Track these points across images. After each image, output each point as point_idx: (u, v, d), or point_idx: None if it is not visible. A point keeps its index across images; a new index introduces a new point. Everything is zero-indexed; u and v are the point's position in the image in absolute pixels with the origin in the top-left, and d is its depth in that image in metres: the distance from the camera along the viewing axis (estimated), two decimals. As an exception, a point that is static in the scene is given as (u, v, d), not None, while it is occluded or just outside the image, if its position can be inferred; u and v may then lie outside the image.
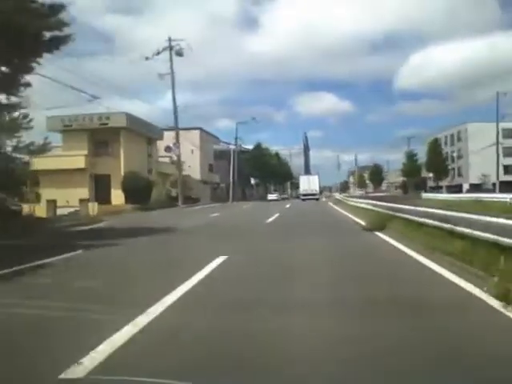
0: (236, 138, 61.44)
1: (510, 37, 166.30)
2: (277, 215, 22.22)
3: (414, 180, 78.07)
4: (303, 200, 52.28)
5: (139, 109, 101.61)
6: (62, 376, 2.85)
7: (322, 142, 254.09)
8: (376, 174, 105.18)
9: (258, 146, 70.15)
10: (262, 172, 68.67)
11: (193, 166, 53.47)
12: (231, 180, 58.17)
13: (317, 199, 53.41)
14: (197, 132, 53.76)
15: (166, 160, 44.65)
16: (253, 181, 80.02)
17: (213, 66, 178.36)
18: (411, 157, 76.85)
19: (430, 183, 74.70)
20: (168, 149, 38.08)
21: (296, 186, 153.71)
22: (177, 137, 38.50)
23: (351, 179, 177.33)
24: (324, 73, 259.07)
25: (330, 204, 39.00)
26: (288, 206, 37.35)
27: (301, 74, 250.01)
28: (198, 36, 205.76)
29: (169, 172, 42.95)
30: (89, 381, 2.45)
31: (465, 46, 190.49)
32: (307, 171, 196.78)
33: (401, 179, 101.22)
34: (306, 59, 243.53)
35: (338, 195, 54.97)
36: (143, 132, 38.01)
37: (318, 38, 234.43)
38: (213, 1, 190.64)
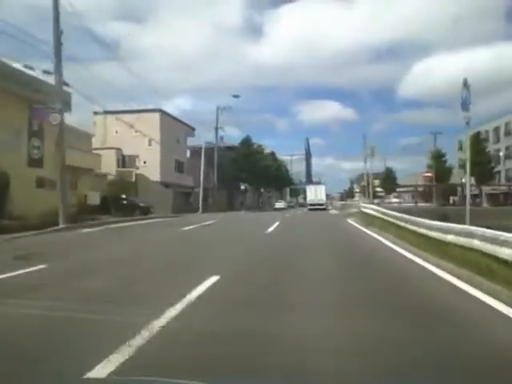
0: (216, 128, 46.31)
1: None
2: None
3: (442, 186, 62.87)
4: (310, 210, 50.15)
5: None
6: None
7: (324, 150, 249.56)
8: (389, 180, 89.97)
9: (245, 141, 54.88)
10: (253, 174, 53.48)
11: (150, 163, 38.34)
12: (202, 182, 42.60)
13: (324, 209, 51.25)
14: (156, 116, 38.66)
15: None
16: (245, 186, 65.11)
17: (215, 72, 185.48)
18: (439, 157, 61.69)
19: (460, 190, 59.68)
20: (37, 113, 18.56)
21: (296, 192, 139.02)
22: (59, 84, 18.63)
23: (357, 187, 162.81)
24: (327, 81, 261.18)
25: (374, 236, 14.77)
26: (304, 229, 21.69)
27: (304, 82, 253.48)
28: (203, 43, 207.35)
29: (89, 165, 27.49)
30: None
31: (469, 55, 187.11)
32: (309, 178, 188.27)
33: (419, 185, 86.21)
34: (309, 67, 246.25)
35: (362, 203, 37.04)
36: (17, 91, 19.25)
37: (322, 47, 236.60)
38: (217, 10, 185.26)
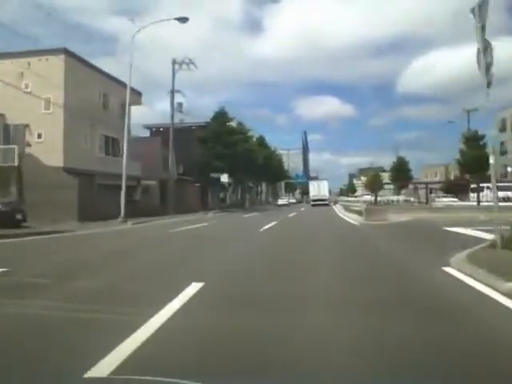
0: (172, 91, 31.64)
1: None
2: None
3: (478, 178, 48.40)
4: (313, 206, 49.95)
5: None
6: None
7: (322, 146, 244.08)
8: (401, 173, 75.47)
9: (219, 115, 40.00)
10: (232, 162, 38.98)
11: (50, 138, 23.74)
12: (141, 172, 27.80)
13: (326, 205, 50.66)
14: (58, 60, 23.84)
15: None
16: (225, 179, 50.69)
17: (215, 67, 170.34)
18: (476, 140, 47.19)
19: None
20: None
21: (292, 187, 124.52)
22: None
23: (360, 180, 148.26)
24: (327, 76, 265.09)
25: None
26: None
27: (303, 77, 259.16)
28: (202, 38, 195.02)
29: None
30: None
31: (470, 50, 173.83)
32: (306, 173, 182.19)
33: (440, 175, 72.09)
34: (308, 62, 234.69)
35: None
36: None
37: (322, 41, 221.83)
38: (216, 4, 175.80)
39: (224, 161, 37.23)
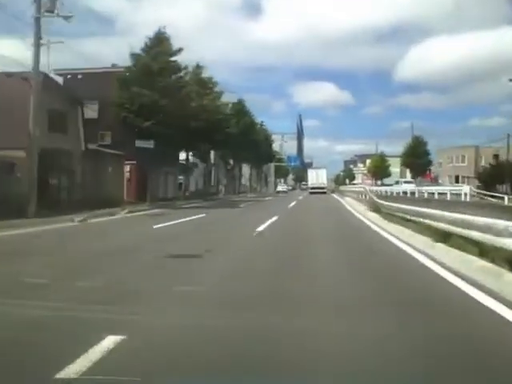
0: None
1: None
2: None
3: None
4: (311, 193, 47.98)
5: None
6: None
7: (317, 132, 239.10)
8: (417, 156, 59.37)
9: (155, 43, 23.97)
10: (177, 123, 23.50)
11: None
12: None
13: (324, 193, 48.71)
14: None
15: None
16: (150, 145, 35.21)
17: (211, 51, 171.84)
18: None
19: None
20: None
21: (284, 172, 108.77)
22: None
23: (360, 167, 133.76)
24: (325, 62, 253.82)
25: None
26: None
27: (301, 62, 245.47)
28: (198, 19, 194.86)
29: None
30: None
31: (469, 39, 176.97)
32: (300, 157, 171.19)
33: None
34: (306, 48, 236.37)
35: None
36: None
37: (321, 27, 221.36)
38: None
39: (158, 118, 21.70)
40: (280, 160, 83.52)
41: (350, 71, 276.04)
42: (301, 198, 37.82)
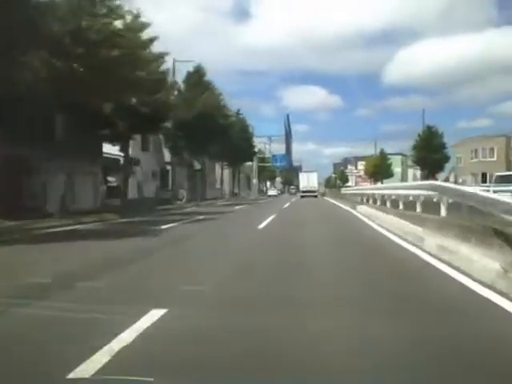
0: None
1: (503, 35, 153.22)
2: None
3: None
4: (302, 197, 48.06)
5: None
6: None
7: (306, 136, 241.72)
8: (431, 150, 47.51)
9: None
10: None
11: None
12: None
13: (315, 196, 48.63)
14: None
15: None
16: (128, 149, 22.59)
17: (201, 54, 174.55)
18: None
19: None
20: None
21: (270, 173, 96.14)
22: None
23: (352, 169, 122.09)
24: (314, 66, 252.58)
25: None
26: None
27: (290, 67, 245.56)
28: (188, 23, 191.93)
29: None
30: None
31: (457, 42, 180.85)
32: (289, 159, 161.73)
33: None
34: (296, 51, 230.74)
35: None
36: None
37: (311, 31, 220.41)
38: None
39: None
40: (264, 160, 71.24)
41: (339, 75, 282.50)
42: (286, 206, 25.74)
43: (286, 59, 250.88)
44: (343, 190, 37.49)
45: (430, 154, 47.73)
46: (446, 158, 49.27)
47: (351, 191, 29.20)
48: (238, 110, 45.95)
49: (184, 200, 37.88)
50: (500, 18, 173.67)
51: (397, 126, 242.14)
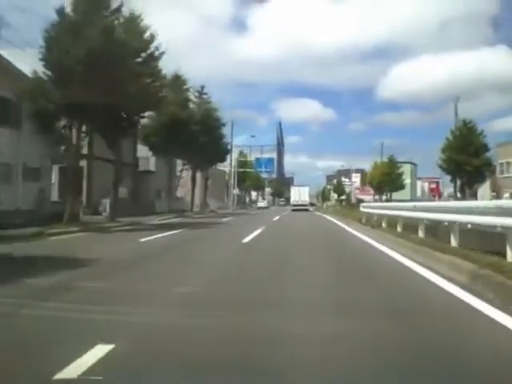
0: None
1: (496, 53, 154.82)
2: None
3: None
4: (293, 210, 47.66)
5: None
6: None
7: (299, 148, 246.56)
8: (468, 152, 34.23)
9: None
10: None
11: None
12: None
13: (306, 210, 49.17)
14: None
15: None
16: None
17: (197, 66, 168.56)
18: None
19: None
20: None
21: (257, 184, 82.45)
22: None
23: (346, 181, 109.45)
24: (309, 79, 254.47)
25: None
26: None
27: (285, 79, 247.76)
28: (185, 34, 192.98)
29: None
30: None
31: (452, 60, 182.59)
32: (280, 171, 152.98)
33: None
34: (292, 65, 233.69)
35: None
36: None
37: (307, 46, 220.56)
38: (203, 2, 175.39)
39: None
40: (246, 165, 57.69)
41: (334, 88, 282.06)
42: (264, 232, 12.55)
43: (281, 72, 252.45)
44: (365, 208, 18.76)
45: (468, 158, 34.58)
46: (488, 164, 35.94)
47: (382, 211, 14.30)
48: (202, 88, 32.50)
49: (106, 214, 24.26)
50: (495, 37, 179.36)
51: (390, 140, 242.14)
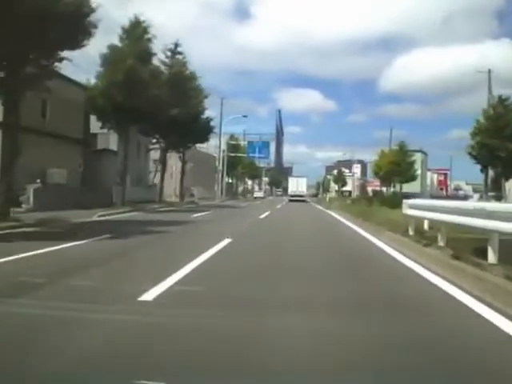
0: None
1: (500, 46, 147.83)
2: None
3: None
4: (290, 201, 47.49)
5: None
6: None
7: (298, 138, 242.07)
8: (507, 136, 28.11)
9: None
10: None
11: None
12: None
13: (303, 201, 48.21)
14: None
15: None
16: None
17: (199, 54, 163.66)
18: None
19: None
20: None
21: (254, 173, 75.74)
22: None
23: (347, 172, 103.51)
24: (311, 69, 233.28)
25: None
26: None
27: (287, 68, 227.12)
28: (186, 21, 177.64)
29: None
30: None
31: (455, 52, 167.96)
32: (279, 161, 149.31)
33: None
34: (293, 54, 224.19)
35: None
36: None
37: (310, 35, 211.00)
38: None
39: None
40: (239, 149, 50.98)
41: (335, 79, 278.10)
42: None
43: (282, 61, 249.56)
44: (408, 208, 10.55)
45: (503, 142, 28.04)
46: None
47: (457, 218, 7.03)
48: (176, 46, 25.67)
49: (29, 206, 17.74)
50: (500, 30, 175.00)
51: (389, 131, 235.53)
